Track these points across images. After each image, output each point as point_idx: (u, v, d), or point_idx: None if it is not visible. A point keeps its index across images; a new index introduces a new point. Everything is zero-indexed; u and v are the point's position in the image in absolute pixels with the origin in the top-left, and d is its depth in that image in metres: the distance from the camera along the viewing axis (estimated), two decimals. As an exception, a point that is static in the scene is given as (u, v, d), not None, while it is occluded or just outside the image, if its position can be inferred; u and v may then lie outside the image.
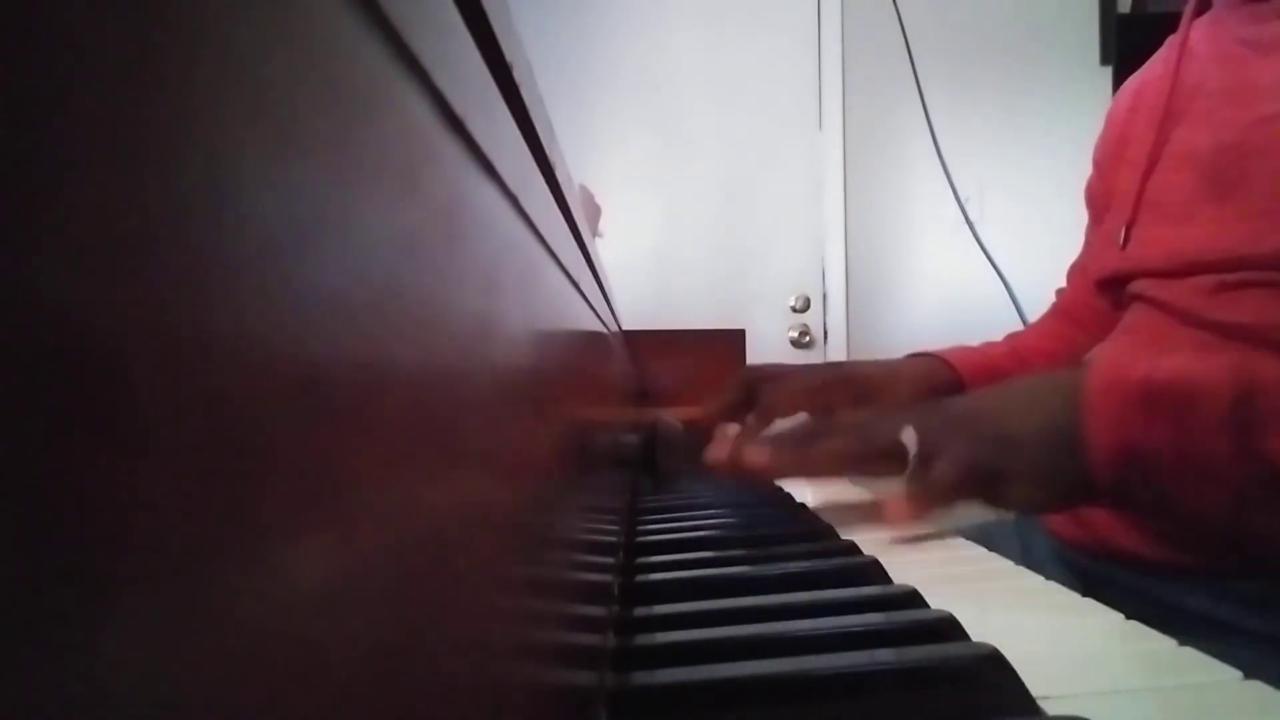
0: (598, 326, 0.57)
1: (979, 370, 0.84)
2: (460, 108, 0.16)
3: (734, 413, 0.82)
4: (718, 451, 0.66)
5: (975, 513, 0.62)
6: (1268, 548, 0.53)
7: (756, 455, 0.61)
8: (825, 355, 2.12)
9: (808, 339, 2.15)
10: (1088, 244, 0.88)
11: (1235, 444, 0.48)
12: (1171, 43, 0.78)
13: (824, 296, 2.16)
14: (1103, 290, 0.77)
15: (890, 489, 0.59)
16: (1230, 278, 0.62)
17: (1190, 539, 0.62)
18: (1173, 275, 0.67)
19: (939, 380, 0.83)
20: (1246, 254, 0.62)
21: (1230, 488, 0.50)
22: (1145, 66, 0.83)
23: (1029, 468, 0.54)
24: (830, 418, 0.67)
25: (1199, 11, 0.77)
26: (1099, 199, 0.84)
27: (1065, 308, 0.92)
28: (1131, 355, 0.56)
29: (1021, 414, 0.56)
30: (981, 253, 2.09)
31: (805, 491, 0.81)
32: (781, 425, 0.81)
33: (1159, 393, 0.51)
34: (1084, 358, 0.57)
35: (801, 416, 0.76)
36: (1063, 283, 0.94)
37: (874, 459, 0.59)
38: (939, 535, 0.60)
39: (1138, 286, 0.71)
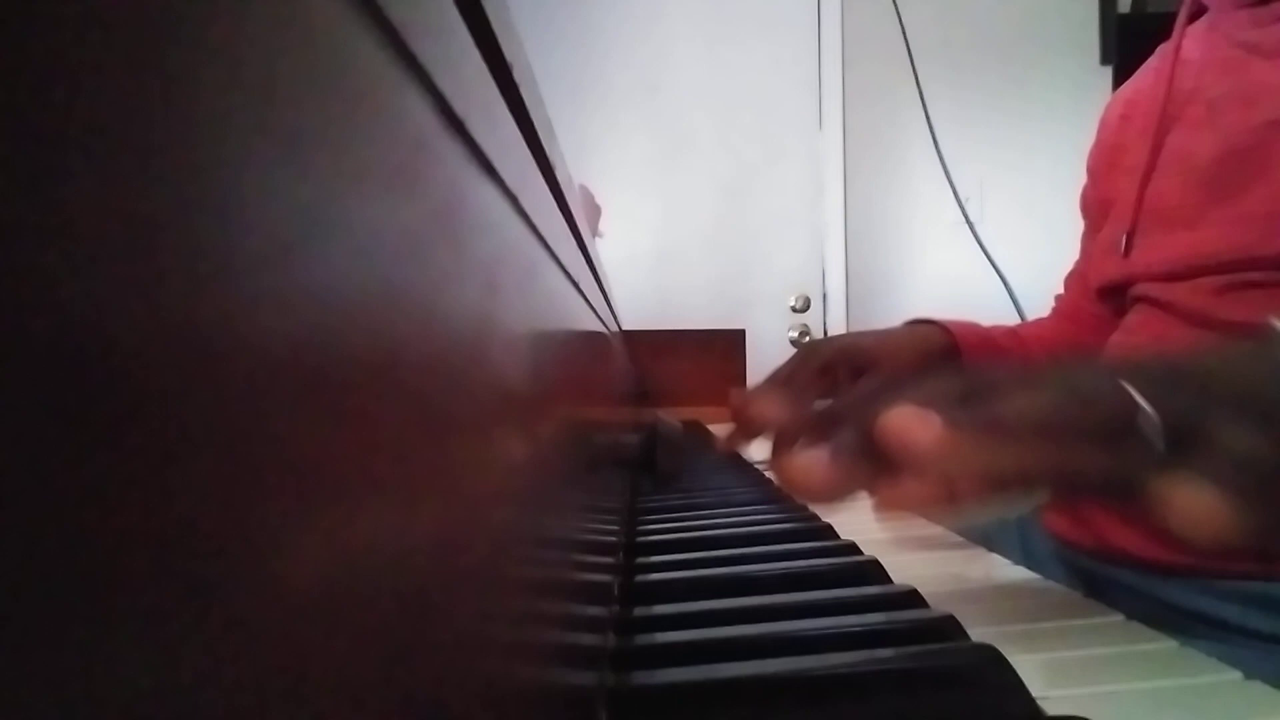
0: (598, 326, 0.57)
1: (976, 342, 0.83)
2: (460, 108, 0.16)
3: (751, 439, 0.66)
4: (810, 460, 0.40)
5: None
6: None
7: (931, 434, 0.34)
8: (825, 355, 2.12)
9: (808, 339, 2.15)
10: (1085, 253, 0.88)
11: None
12: (1163, 51, 0.78)
13: (824, 296, 2.16)
14: (1104, 298, 0.77)
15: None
16: (1237, 278, 0.63)
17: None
18: (1177, 279, 0.67)
19: (936, 347, 0.81)
20: (1254, 255, 0.62)
21: None
22: (1136, 76, 0.83)
23: None
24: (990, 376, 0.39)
25: (1191, 18, 0.77)
26: (1095, 207, 0.84)
27: (1064, 313, 0.92)
28: None
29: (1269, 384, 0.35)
30: (981, 253, 2.09)
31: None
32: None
33: None
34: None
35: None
36: (1061, 288, 0.94)
37: (1096, 436, 0.34)
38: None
39: (1140, 290, 0.71)
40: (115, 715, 0.06)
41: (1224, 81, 0.70)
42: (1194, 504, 0.32)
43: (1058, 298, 0.94)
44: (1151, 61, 0.80)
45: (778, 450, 0.44)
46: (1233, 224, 0.64)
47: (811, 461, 0.38)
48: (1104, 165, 0.83)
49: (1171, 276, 0.68)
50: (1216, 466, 0.33)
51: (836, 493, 0.39)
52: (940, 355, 0.81)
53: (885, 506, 0.36)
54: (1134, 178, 0.74)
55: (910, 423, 0.34)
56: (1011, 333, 0.89)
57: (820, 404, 0.68)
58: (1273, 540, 0.36)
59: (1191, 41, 0.75)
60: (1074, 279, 0.91)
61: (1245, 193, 0.64)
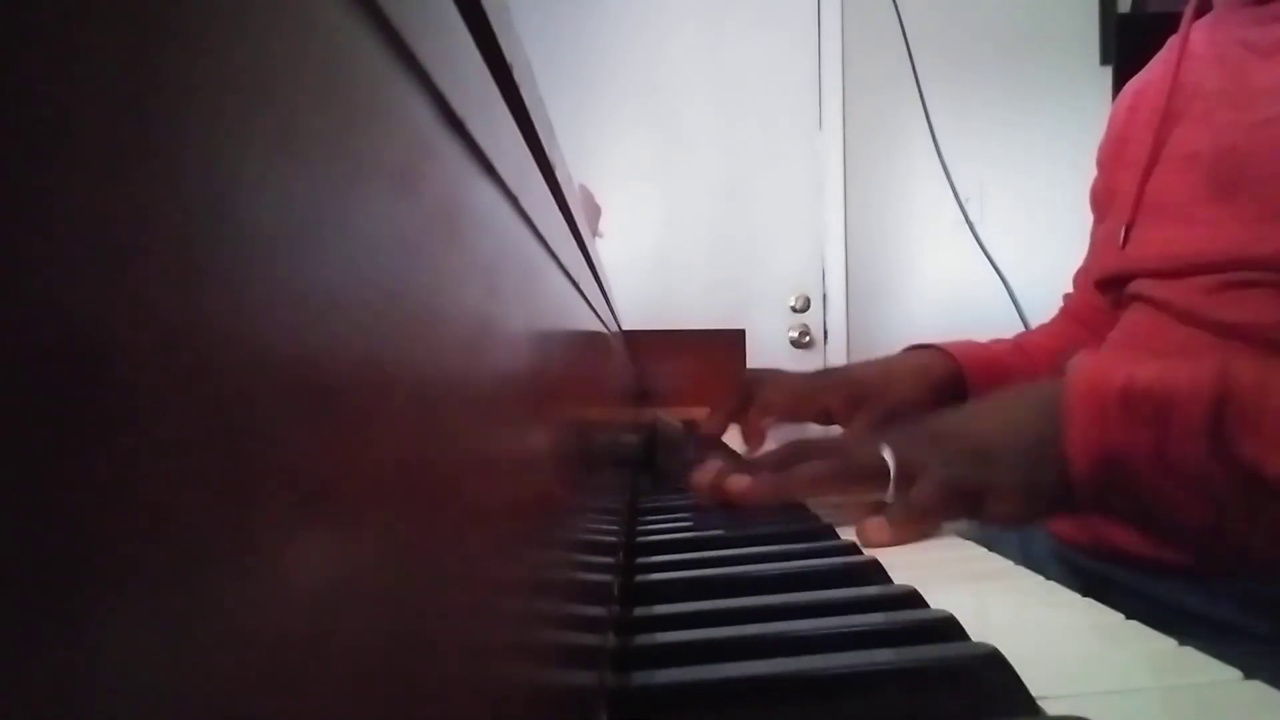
0: (598, 327, 0.57)
1: (980, 363, 0.83)
2: (460, 108, 0.16)
3: (734, 419, 0.83)
4: (699, 477, 0.64)
5: (959, 527, 0.62)
6: (1248, 554, 0.52)
7: (737, 483, 0.61)
8: (825, 355, 2.12)
9: (808, 339, 2.15)
10: (1092, 246, 0.89)
11: (1211, 450, 0.48)
12: (1172, 44, 0.78)
13: (824, 296, 2.16)
14: (1103, 290, 0.77)
15: (870, 507, 0.58)
16: (1230, 277, 0.63)
17: (1173, 546, 0.61)
18: (1172, 275, 0.67)
19: (937, 374, 0.82)
20: (1247, 255, 0.62)
21: (1208, 494, 0.49)
22: (1147, 68, 0.83)
23: (1008, 482, 0.54)
24: (808, 440, 0.66)
25: (1199, 13, 0.77)
26: (1102, 199, 0.84)
27: (1072, 311, 0.92)
28: (1110, 361, 0.56)
29: (1000, 428, 0.56)
30: (981, 253, 2.09)
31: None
32: (769, 440, 0.81)
33: (1137, 398, 0.50)
34: (1065, 365, 0.56)
35: (789, 432, 0.77)
36: (1068, 285, 0.94)
37: (856, 479, 0.59)
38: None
39: (1137, 286, 0.71)
40: (116, 715, 0.06)
41: (1223, 78, 0.70)
42: (883, 517, 0.56)
43: (1066, 296, 0.94)
44: (1162, 53, 0.80)
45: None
46: (1227, 223, 0.64)
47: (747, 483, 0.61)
48: (1110, 157, 0.83)
49: (1166, 272, 0.68)
50: (907, 494, 0.55)
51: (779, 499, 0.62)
52: (944, 381, 0.81)
53: (870, 539, 0.56)
54: (1135, 171, 0.74)
55: (734, 482, 0.61)
56: (1016, 347, 0.89)
57: (816, 433, 0.75)
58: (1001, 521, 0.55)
59: (1198, 35, 0.75)
60: (1082, 274, 0.91)
61: (1239, 191, 0.64)
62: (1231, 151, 0.65)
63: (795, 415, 0.83)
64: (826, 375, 0.87)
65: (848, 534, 0.58)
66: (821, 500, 0.66)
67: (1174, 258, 0.67)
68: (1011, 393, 0.60)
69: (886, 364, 0.85)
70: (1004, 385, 0.71)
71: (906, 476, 0.56)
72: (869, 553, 0.51)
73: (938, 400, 0.79)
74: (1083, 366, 0.55)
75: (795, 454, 0.62)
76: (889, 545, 0.56)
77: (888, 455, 0.57)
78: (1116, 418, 0.51)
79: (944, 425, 0.59)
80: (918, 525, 0.56)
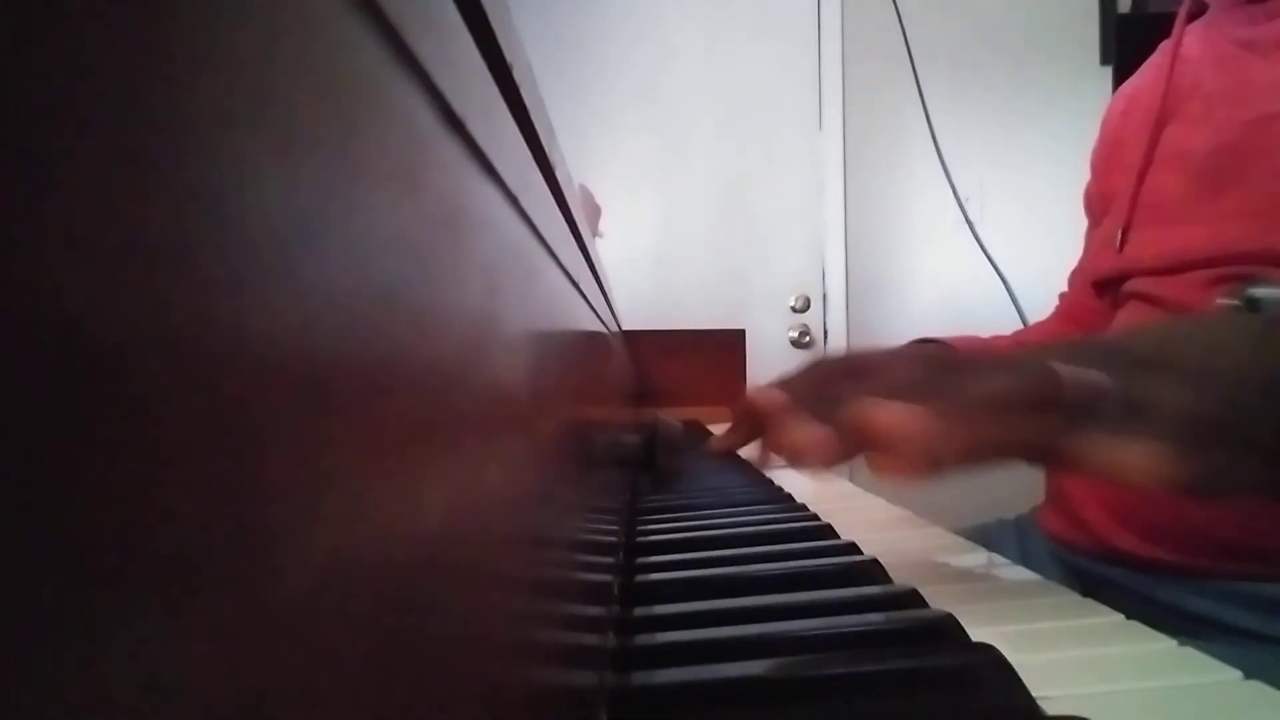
0: (598, 326, 0.57)
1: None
2: (460, 108, 0.16)
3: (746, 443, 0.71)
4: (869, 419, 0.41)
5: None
6: None
7: (906, 421, 0.39)
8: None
9: (808, 339, 2.15)
10: (1087, 249, 0.89)
11: None
12: (1164, 48, 0.78)
13: (824, 296, 2.16)
14: (1099, 291, 0.78)
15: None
16: (1227, 272, 0.63)
17: (1217, 529, 0.58)
18: (1168, 272, 0.67)
19: None
20: (1245, 251, 0.62)
21: None
22: (1139, 73, 0.83)
23: (1254, 433, 0.40)
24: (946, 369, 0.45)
25: (1192, 16, 0.77)
26: (1096, 203, 0.85)
27: (1066, 311, 0.92)
28: None
29: (1234, 364, 0.42)
30: (981, 253, 2.09)
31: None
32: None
33: None
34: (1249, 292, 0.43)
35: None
36: (1064, 286, 0.95)
37: (1033, 407, 0.40)
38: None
39: (1132, 285, 0.71)
40: (116, 715, 0.06)
41: (1220, 78, 0.70)
42: (1133, 455, 0.39)
43: (1061, 296, 0.94)
44: (1154, 58, 0.81)
45: (776, 425, 0.49)
46: (1224, 219, 0.64)
47: (808, 433, 0.45)
48: (1105, 161, 0.83)
49: (1163, 271, 0.68)
50: (1147, 424, 0.40)
51: (830, 460, 0.44)
52: None
53: (880, 471, 0.40)
54: (1130, 173, 0.74)
55: (899, 417, 0.40)
56: (1015, 344, 0.89)
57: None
58: (1206, 485, 0.41)
59: (1192, 38, 0.76)
60: (1077, 276, 0.92)
61: (1237, 188, 0.64)
62: (1230, 149, 0.66)
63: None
64: (829, 361, 0.82)
65: (861, 490, 0.58)
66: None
67: (1171, 255, 0.67)
68: (1190, 328, 0.46)
69: (893, 351, 0.85)
70: None
71: (1130, 407, 0.40)
72: (868, 552, 0.51)
73: None
74: None
75: (943, 384, 0.42)
76: (1145, 482, 0.40)
77: (1073, 376, 0.40)
78: None
79: (1141, 347, 0.43)
80: (1171, 466, 0.39)
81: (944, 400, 0.40)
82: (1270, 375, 0.41)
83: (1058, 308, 0.94)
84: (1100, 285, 0.77)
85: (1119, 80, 0.90)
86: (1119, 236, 0.74)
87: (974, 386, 0.41)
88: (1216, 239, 0.64)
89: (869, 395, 0.42)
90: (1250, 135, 0.65)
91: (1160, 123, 0.73)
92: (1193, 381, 0.41)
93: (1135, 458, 0.39)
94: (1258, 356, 0.42)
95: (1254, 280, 0.46)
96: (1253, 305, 0.46)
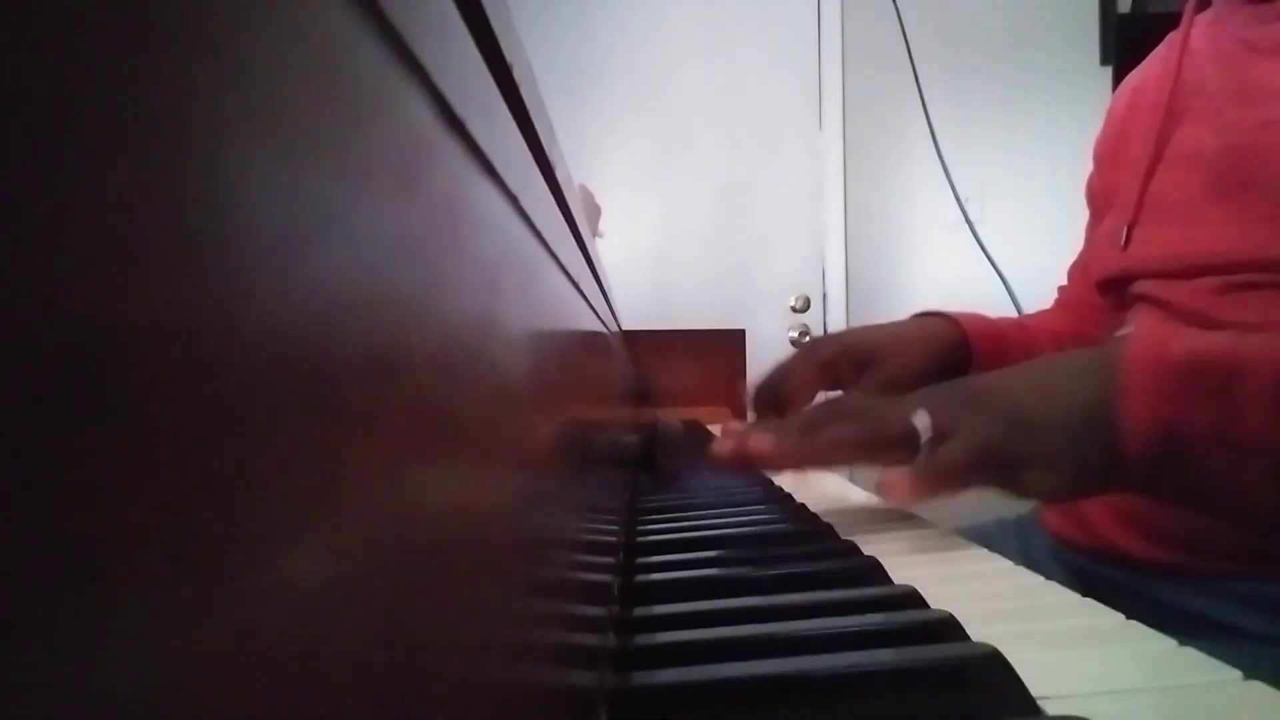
0: (598, 326, 0.57)
1: (986, 334, 0.81)
2: (460, 108, 0.16)
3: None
4: (722, 445, 0.59)
5: (983, 501, 0.60)
6: None
7: (761, 443, 0.56)
8: (825, 355, 2.12)
9: (807, 339, 2.15)
10: (1088, 241, 0.89)
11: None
12: (1172, 41, 0.78)
13: (824, 296, 2.16)
14: (1103, 291, 0.77)
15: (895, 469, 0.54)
16: (1236, 279, 0.62)
17: (1217, 530, 0.59)
18: (1176, 276, 0.67)
19: (944, 341, 0.80)
20: (1254, 256, 0.62)
21: (1276, 471, 0.46)
22: (1145, 64, 0.82)
23: (1051, 451, 0.50)
24: (836, 402, 0.61)
25: (1200, 8, 0.77)
26: (1099, 197, 0.84)
27: (1066, 303, 0.92)
28: (1171, 329, 0.53)
29: (1045, 394, 0.51)
30: (981, 253, 2.09)
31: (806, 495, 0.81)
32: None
33: (1203, 366, 0.47)
34: (1116, 334, 0.52)
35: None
36: (1064, 280, 0.95)
37: (884, 445, 0.55)
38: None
39: (1140, 288, 0.71)
40: (116, 715, 0.06)
41: (1225, 77, 0.70)
42: (908, 473, 0.52)
43: (1061, 288, 0.94)
44: (1160, 49, 0.80)
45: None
46: (1232, 224, 0.64)
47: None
48: (1109, 155, 0.83)
49: (1169, 273, 0.68)
50: (947, 450, 0.51)
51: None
52: (949, 349, 0.79)
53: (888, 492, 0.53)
54: (1137, 170, 0.73)
55: (758, 442, 0.57)
56: (1018, 324, 0.89)
57: (824, 397, 0.71)
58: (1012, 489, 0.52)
59: (1199, 31, 0.75)
60: (1077, 269, 0.91)
61: (1244, 192, 0.64)
62: (1238, 151, 0.65)
63: (803, 400, 0.80)
64: (833, 345, 0.83)
65: (863, 491, 0.58)
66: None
67: (1179, 258, 0.67)
68: (1056, 358, 0.57)
69: (895, 329, 0.83)
70: (1008, 358, 0.68)
71: (939, 439, 0.52)
72: (870, 553, 0.51)
73: (941, 369, 0.76)
74: (1142, 333, 0.51)
75: (824, 416, 0.58)
76: (909, 502, 0.53)
77: (919, 419, 0.53)
78: (1179, 387, 0.47)
79: (983, 387, 0.55)
80: (943, 484, 0.52)
81: (814, 441, 0.56)
82: (1091, 410, 0.50)
83: (1058, 300, 0.94)
84: (1104, 285, 0.77)
85: (1119, 81, 0.90)
86: (1124, 235, 0.73)
87: (840, 431, 0.56)
88: (1225, 242, 0.64)
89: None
90: (1257, 138, 0.64)
91: (1168, 121, 0.72)
92: (991, 415, 0.52)
93: (895, 477, 0.52)
94: (1092, 393, 0.50)
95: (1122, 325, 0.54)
96: (1112, 345, 0.53)
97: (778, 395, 0.76)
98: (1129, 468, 0.48)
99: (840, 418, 0.57)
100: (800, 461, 0.58)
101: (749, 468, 0.59)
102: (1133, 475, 0.49)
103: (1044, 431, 0.50)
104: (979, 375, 0.59)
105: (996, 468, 0.52)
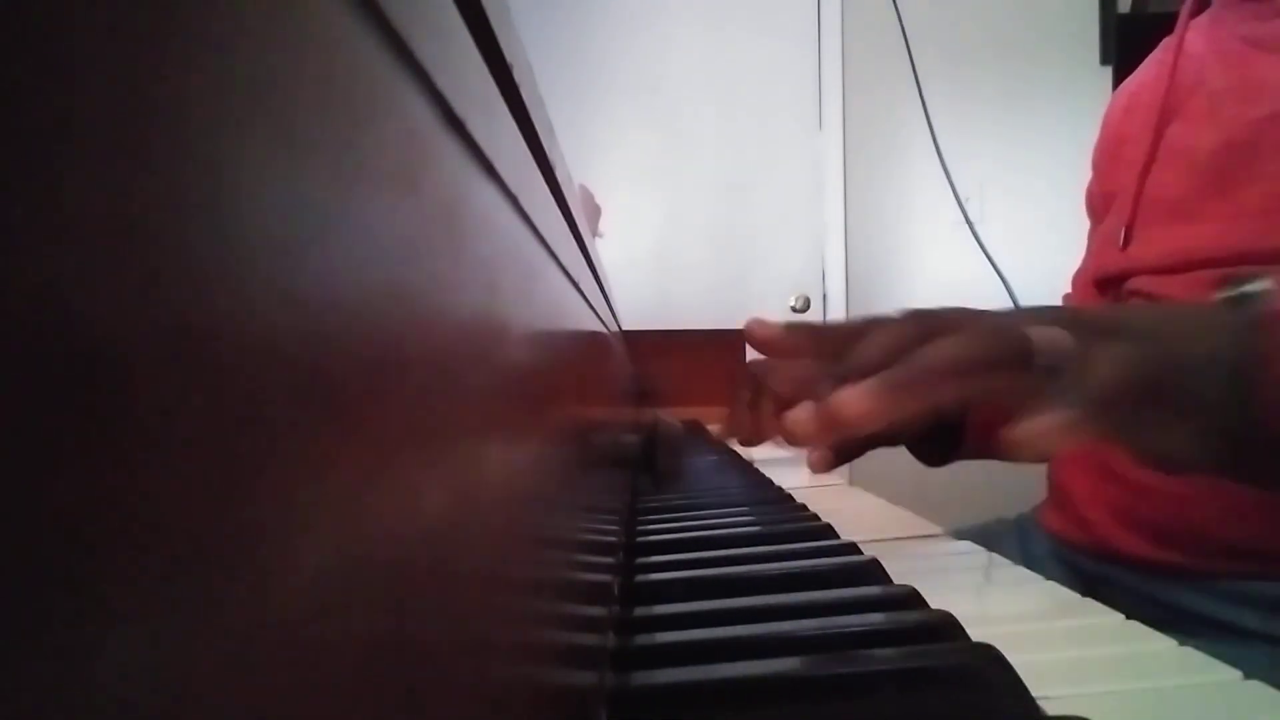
0: (598, 326, 0.57)
1: None
2: (460, 108, 0.16)
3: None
4: (800, 418, 0.45)
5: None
6: None
7: (851, 403, 0.42)
8: (825, 355, 2.12)
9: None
10: (1089, 248, 0.89)
11: None
12: (1167, 44, 0.78)
13: (824, 296, 2.16)
14: (1102, 290, 0.77)
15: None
16: (1234, 271, 0.62)
17: (1218, 529, 0.58)
18: (1173, 271, 0.67)
19: None
20: (1253, 250, 0.62)
21: None
22: (1140, 69, 0.83)
23: (1199, 402, 0.42)
24: (924, 312, 0.48)
25: (1194, 13, 0.77)
26: (1099, 202, 0.84)
27: None
28: None
29: (1191, 336, 0.43)
30: (981, 253, 2.09)
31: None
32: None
33: None
34: (1231, 290, 0.44)
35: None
36: (1068, 286, 0.95)
37: (1000, 366, 0.43)
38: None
39: (1136, 283, 0.71)
40: (116, 716, 0.06)
41: (1225, 75, 0.70)
42: (1036, 420, 0.40)
43: (1065, 296, 0.94)
44: (1155, 54, 0.81)
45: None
46: (1230, 219, 0.64)
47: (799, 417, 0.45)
48: (1107, 159, 0.83)
49: (1168, 270, 0.68)
50: (1073, 390, 0.41)
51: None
52: None
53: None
54: (1134, 170, 0.74)
55: (844, 403, 0.42)
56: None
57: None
58: (1141, 448, 0.44)
59: (1195, 34, 0.75)
60: (1080, 277, 0.91)
61: (1243, 187, 0.64)
62: (1238, 146, 0.65)
63: (806, 392, 0.74)
64: (835, 330, 0.77)
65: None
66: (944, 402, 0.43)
67: (1177, 254, 0.67)
68: (1193, 306, 0.48)
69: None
70: None
71: (1072, 365, 0.42)
72: (867, 552, 0.51)
73: None
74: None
75: (914, 332, 0.45)
76: (1041, 457, 0.42)
77: (1045, 336, 0.43)
78: None
79: (1119, 315, 0.45)
80: (1078, 429, 0.41)
81: (910, 365, 0.42)
82: (1233, 365, 0.42)
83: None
84: (1102, 283, 0.77)
85: (1119, 80, 0.90)
86: (1122, 234, 0.73)
87: (939, 350, 0.43)
88: (1225, 238, 0.64)
89: (855, 360, 0.44)
90: (1261, 133, 0.64)
91: (1164, 119, 0.73)
92: (1138, 343, 0.42)
93: (1040, 427, 0.40)
94: (1230, 345, 0.42)
95: (1252, 276, 0.47)
96: (1243, 301, 0.46)
97: (760, 387, 0.64)
98: (1263, 436, 0.42)
99: (936, 333, 0.44)
100: (903, 405, 0.42)
101: (838, 434, 0.45)
102: (1262, 449, 0.42)
103: (1195, 379, 0.42)
104: (1099, 306, 0.49)
105: (1138, 409, 0.42)
